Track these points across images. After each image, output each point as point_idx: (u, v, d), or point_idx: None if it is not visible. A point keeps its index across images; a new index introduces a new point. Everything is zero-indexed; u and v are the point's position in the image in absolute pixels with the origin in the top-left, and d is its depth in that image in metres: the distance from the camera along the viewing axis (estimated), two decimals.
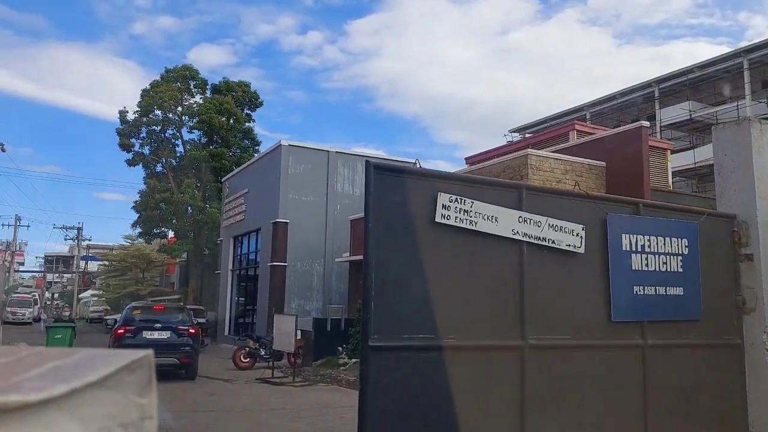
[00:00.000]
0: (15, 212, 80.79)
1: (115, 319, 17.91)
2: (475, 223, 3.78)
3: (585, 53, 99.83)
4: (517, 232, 3.94)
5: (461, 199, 3.77)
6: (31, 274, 74.47)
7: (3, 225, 58.42)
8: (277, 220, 18.39)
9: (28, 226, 61.49)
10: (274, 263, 18.27)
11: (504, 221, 3.89)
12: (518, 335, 3.94)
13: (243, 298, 22.31)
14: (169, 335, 12.61)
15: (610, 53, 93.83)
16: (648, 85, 32.44)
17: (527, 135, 34.36)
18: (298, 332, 13.87)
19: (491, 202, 3.93)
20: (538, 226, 4.01)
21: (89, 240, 55.71)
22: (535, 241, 4.00)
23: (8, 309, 35.78)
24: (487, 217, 3.82)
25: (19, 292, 44.14)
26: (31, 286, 65.36)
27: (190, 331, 12.84)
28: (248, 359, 15.23)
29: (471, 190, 3.89)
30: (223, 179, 25.26)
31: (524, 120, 48.65)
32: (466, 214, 3.76)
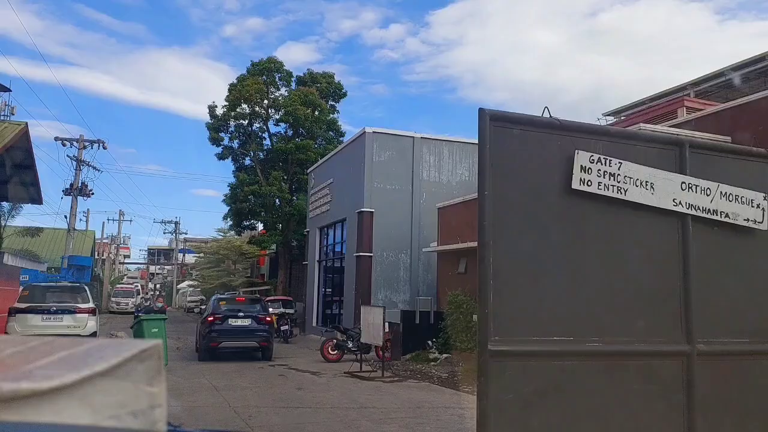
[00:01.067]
0: (119, 208, 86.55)
1: (201, 309, 21.42)
2: (625, 191, 2.88)
3: (682, 32, 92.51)
4: (680, 203, 2.99)
5: (606, 160, 2.87)
6: (135, 266, 79.79)
7: (108, 219, 62.62)
8: (362, 209, 17.91)
9: (130, 221, 65.54)
10: (360, 254, 17.82)
11: (663, 188, 2.95)
12: (683, 338, 2.99)
13: (330, 289, 22.12)
14: (249, 322, 14.46)
15: (710, 30, 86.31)
16: (762, 58, 28.99)
17: (622, 118, 31.89)
18: (386, 325, 13.27)
19: (642, 163, 3.00)
20: (707, 195, 3.03)
21: (186, 233, 58.71)
22: (704, 215, 3.03)
23: (113, 299, 38.17)
24: (641, 183, 2.90)
25: (123, 283, 47.05)
26: (136, 278, 69.91)
27: (267, 319, 14.80)
28: (336, 351, 14.86)
29: (617, 147, 2.98)
30: (308, 171, 25.22)
31: (615, 105, 45.51)
32: (612, 178, 2.87)
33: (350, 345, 14.94)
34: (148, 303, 20.61)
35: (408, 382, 11.65)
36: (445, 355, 13.87)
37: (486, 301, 2.75)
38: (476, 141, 3.15)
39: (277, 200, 29.16)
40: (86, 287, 13.87)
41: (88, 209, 72.23)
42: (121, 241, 54.58)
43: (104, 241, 51.01)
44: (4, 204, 33.63)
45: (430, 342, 14.68)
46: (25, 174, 13.07)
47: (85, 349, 0.91)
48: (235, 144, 29.44)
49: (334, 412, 8.16)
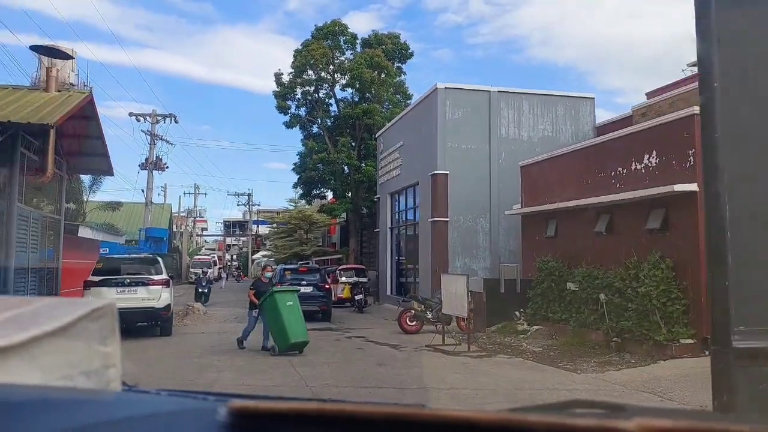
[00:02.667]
0: (194, 182, 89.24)
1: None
2: None
3: None
4: None
5: None
6: (213, 238, 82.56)
7: (185, 193, 64.56)
8: (436, 171, 16.75)
9: (206, 194, 67.45)
10: (435, 219, 16.75)
11: None
12: None
13: (403, 257, 21.26)
14: (311, 289, 16.37)
15: None
16: None
17: None
18: (468, 294, 12.21)
19: None
20: None
21: (258, 205, 59.63)
22: None
23: (191, 270, 39.23)
24: None
25: (201, 254, 48.41)
26: (213, 249, 72.32)
27: (326, 287, 16.78)
28: (414, 322, 14.01)
29: None
30: (376, 135, 24.22)
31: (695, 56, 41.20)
32: None
33: (429, 316, 14.06)
34: (217, 275, 20.57)
35: (498, 357, 10.61)
36: (535, 327, 12.70)
37: (720, 273, 1.62)
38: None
39: (345, 167, 28.47)
40: (159, 259, 13.63)
41: (165, 184, 74.80)
42: (198, 214, 56.13)
43: (181, 214, 52.62)
44: (85, 179, 34.89)
45: (517, 313, 13.53)
46: (93, 145, 12.80)
47: (35, 308, 0.90)
48: (302, 112, 28.83)
49: (421, 395, 7.27)
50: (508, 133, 17.38)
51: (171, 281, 13.72)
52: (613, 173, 11.56)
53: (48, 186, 12.14)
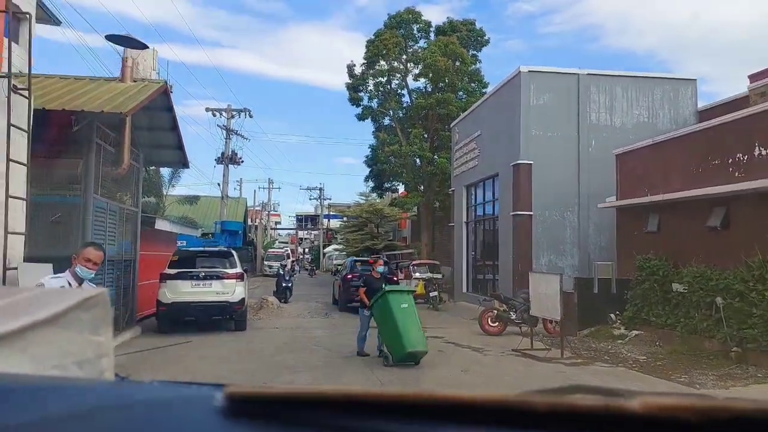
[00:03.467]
0: (268, 176, 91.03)
1: (336, 269, 23.38)
2: None
3: None
4: None
5: None
6: (286, 232, 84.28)
7: (259, 188, 65.95)
8: (519, 161, 15.61)
9: (279, 188, 68.62)
10: (518, 212, 15.63)
11: None
12: None
13: (481, 253, 20.22)
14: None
15: None
16: None
17: None
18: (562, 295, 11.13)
19: None
20: None
21: (330, 199, 59.95)
22: None
23: (266, 263, 39.72)
24: None
25: (275, 248, 49.12)
26: (286, 242, 73.77)
27: (394, 279, 16.20)
28: (497, 323, 13.05)
29: None
30: (451, 125, 23.24)
31: None
32: None
33: (513, 317, 13.06)
34: (290, 267, 20.35)
35: (596, 365, 9.49)
36: (634, 332, 11.42)
37: None
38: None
39: (417, 160, 27.67)
40: (234, 252, 13.38)
41: (240, 178, 77.04)
42: (272, 208, 57.11)
43: (256, 208, 53.66)
44: (165, 174, 35.94)
45: (612, 315, 12.27)
46: (169, 136, 12.66)
47: (26, 297, 0.91)
48: (374, 103, 28.28)
49: None
50: (598, 120, 15.97)
51: (245, 275, 13.46)
52: (730, 160, 10.11)
53: (124, 178, 12.09)
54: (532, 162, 15.57)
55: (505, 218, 16.69)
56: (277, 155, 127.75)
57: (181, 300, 12.06)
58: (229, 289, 12.32)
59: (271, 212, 65.16)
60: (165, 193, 32.05)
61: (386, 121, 29.12)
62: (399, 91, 28.18)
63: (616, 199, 13.30)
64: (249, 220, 52.15)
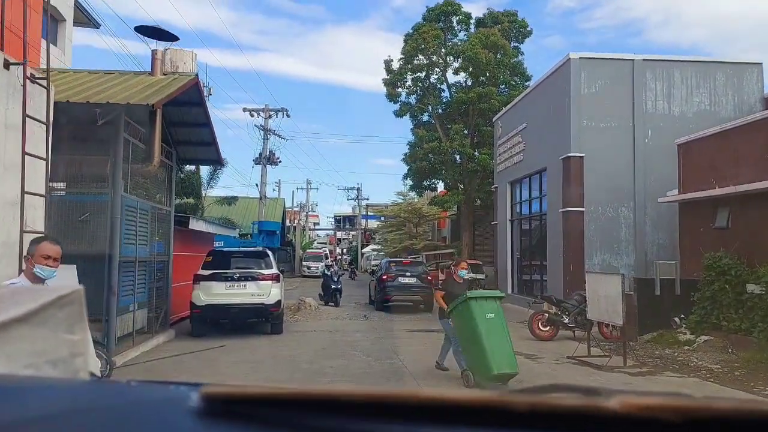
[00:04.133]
0: (306, 177, 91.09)
1: (373, 269, 23.09)
2: None
3: None
4: None
5: None
6: (324, 233, 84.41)
7: (297, 188, 66.06)
8: (570, 154, 14.62)
9: (317, 189, 68.55)
10: (568, 209, 14.64)
11: None
12: None
13: (526, 253, 19.24)
14: (414, 281, 17.24)
15: None
16: None
17: None
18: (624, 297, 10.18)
19: None
20: None
21: (367, 199, 59.46)
22: None
23: (304, 264, 39.45)
24: None
25: (313, 248, 48.90)
26: (325, 243, 73.77)
27: (428, 278, 17.39)
28: (548, 327, 12.14)
29: None
30: (494, 119, 22.29)
31: None
32: None
33: (566, 320, 12.12)
34: (334, 268, 19.49)
35: (665, 375, 8.52)
36: (703, 338, 10.34)
37: None
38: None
39: (457, 156, 26.79)
40: (269, 252, 12.87)
41: (279, 180, 77.41)
42: (310, 209, 57.00)
43: (294, 209, 53.65)
44: (203, 174, 36.04)
45: (677, 319, 11.21)
46: (202, 133, 12.24)
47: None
48: (413, 99, 27.51)
49: None
50: (655, 108, 14.83)
51: (281, 276, 12.93)
52: None
53: (157, 176, 11.72)
54: (583, 155, 14.56)
55: (554, 215, 15.70)
56: (316, 156, 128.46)
57: (216, 302, 11.60)
58: (265, 291, 11.80)
59: (310, 213, 65.20)
60: (204, 194, 32.07)
61: (425, 117, 28.33)
62: (438, 85, 27.38)
63: (679, 193, 12.19)
64: (287, 221, 52.21)
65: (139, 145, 10.34)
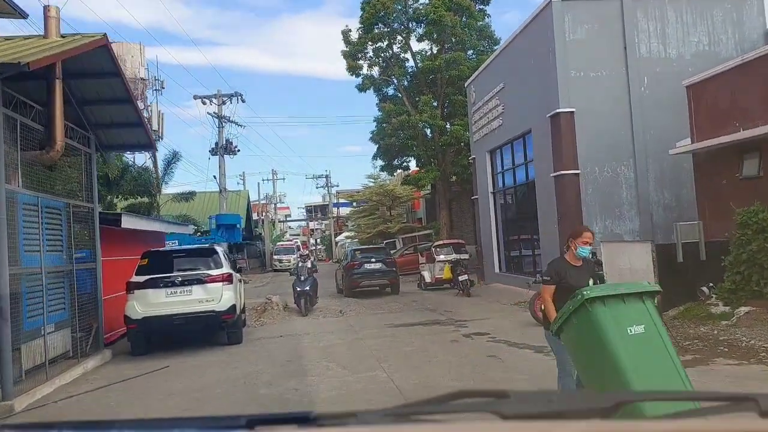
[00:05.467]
0: (271, 168, 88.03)
1: (339, 258, 23.60)
2: None
3: None
4: None
5: None
6: (297, 224, 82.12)
7: (263, 180, 63.62)
8: (558, 110, 12.81)
9: (283, 179, 66.05)
10: (561, 172, 12.88)
11: None
12: None
13: (513, 227, 17.50)
14: (380, 266, 17.79)
15: None
16: None
17: None
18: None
19: None
20: None
21: (337, 186, 57.21)
22: None
23: (275, 257, 37.27)
24: None
25: (284, 240, 46.65)
26: (298, 235, 71.60)
27: (390, 261, 18.26)
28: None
29: None
30: (465, 84, 20.39)
31: None
32: None
33: None
34: (303, 261, 17.15)
35: (717, 363, 6.81)
36: (743, 309, 8.69)
37: None
38: None
39: (428, 131, 24.87)
40: (218, 249, 10.79)
41: (243, 172, 74.58)
42: (278, 200, 54.59)
43: (261, 201, 51.18)
44: (153, 171, 33.44)
45: (705, 288, 9.55)
46: (124, 112, 10.04)
47: None
48: (375, 72, 25.42)
49: None
50: (650, 52, 13.11)
51: (236, 275, 10.86)
52: None
53: (67, 166, 9.52)
54: (574, 109, 12.77)
55: (544, 181, 13.94)
56: (281, 147, 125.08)
57: (155, 314, 9.52)
58: (215, 295, 9.75)
59: (279, 205, 62.74)
60: (159, 192, 29.68)
61: (390, 91, 26.30)
62: (402, 54, 25.31)
63: (692, 142, 10.50)
64: (255, 215, 49.74)
65: (35, 126, 8.14)
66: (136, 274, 9.81)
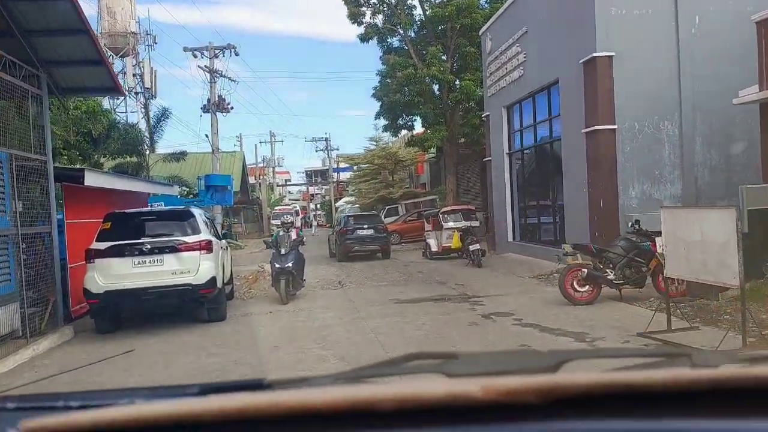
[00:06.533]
0: (269, 129, 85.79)
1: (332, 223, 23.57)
2: None
3: None
4: None
5: None
6: (297, 189, 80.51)
7: (261, 142, 61.70)
8: (595, 54, 11.03)
9: (282, 141, 63.91)
10: (595, 127, 11.17)
11: None
12: None
13: (531, 192, 15.88)
14: (372, 232, 18.28)
15: None
16: None
17: None
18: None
19: None
20: None
21: (338, 150, 55.30)
22: None
23: (273, 222, 35.75)
24: None
25: (282, 205, 45.07)
26: (298, 200, 70.14)
27: (383, 228, 18.91)
28: (587, 287, 8.90)
29: None
30: (480, 32, 18.45)
31: None
32: None
33: (611, 276, 8.90)
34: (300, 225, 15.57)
35: None
36: None
37: None
38: None
39: (436, 87, 22.98)
40: (196, 211, 9.19)
41: (240, 134, 72.39)
42: (276, 163, 52.78)
43: (259, 165, 49.40)
44: (145, 126, 31.72)
45: None
46: (79, 45, 8.31)
47: None
48: (380, 20, 23.34)
49: None
50: None
51: (218, 243, 9.29)
52: None
53: (16, 109, 7.87)
54: (613, 53, 10.99)
55: (572, 139, 12.26)
56: (281, 109, 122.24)
57: (120, 287, 8.02)
58: (191, 266, 8.23)
59: (278, 169, 60.98)
60: (147, 150, 28.03)
61: (395, 43, 24.27)
62: (409, 1, 23.17)
63: (761, 89, 8.78)
64: (253, 178, 48.02)
65: None
66: (96, 240, 8.25)
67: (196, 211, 9.12)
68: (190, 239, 8.30)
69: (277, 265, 10.28)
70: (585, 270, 8.83)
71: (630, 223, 9.59)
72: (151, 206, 13.70)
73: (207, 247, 8.40)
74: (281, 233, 11.49)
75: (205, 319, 8.81)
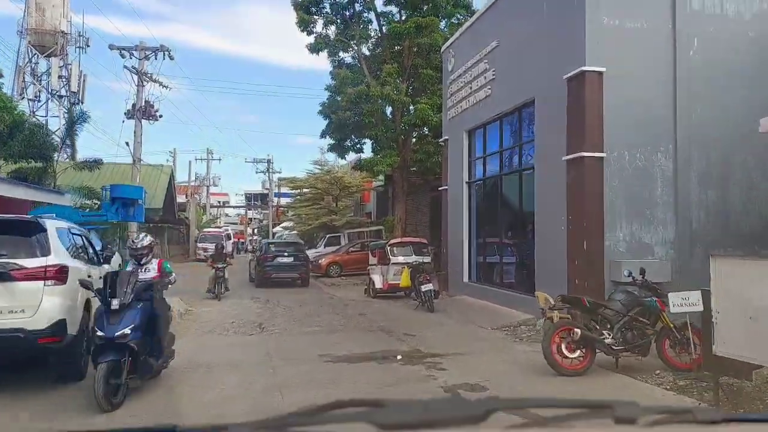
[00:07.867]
0: (207, 147, 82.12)
1: (254, 250, 24.34)
2: None
3: None
4: None
5: None
6: (235, 212, 76.80)
7: (196, 159, 58.04)
8: (584, 68, 9.27)
9: (219, 160, 60.41)
10: (581, 154, 9.34)
11: None
12: None
13: (493, 227, 13.96)
14: (292, 260, 18.94)
15: None
16: None
17: None
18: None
19: None
20: None
21: (279, 172, 52.53)
22: None
23: (199, 245, 32.52)
24: None
25: (211, 228, 41.70)
26: (235, 223, 66.57)
27: (303, 257, 19.41)
28: (578, 352, 6.85)
29: None
30: (442, 48, 16.71)
31: None
32: None
33: (608, 338, 6.92)
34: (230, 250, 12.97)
35: None
36: None
37: None
38: None
39: (389, 108, 21.10)
40: (50, 223, 6.47)
41: (174, 148, 68.25)
42: (211, 182, 49.42)
43: (192, 183, 45.99)
44: (56, 136, 28.12)
45: None
46: None
47: None
48: (332, 31, 21.37)
49: None
50: (703, 7, 9.79)
51: (67, 271, 6.40)
52: None
53: None
54: (604, 69, 9.28)
55: (548, 168, 10.42)
56: (229, 132, 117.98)
57: None
58: (27, 302, 5.60)
59: (215, 190, 57.55)
60: (57, 157, 24.51)
61: (348, 59, 22.34)
62: (364, 13, 21.36)
63: None
64: (185, 197, 44.49)
65: None
66: None
67: (51, 224, 6.46)
68: (31, 263, 5.68)
69: (99, 333, 5.39)
70: (578, 331, 6.79)
71: (626, 272, 7.70)
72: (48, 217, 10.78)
73: (57, 276, 5.79)
74: (128, 268, 6.51)
75: (55, 379, 6.14)
